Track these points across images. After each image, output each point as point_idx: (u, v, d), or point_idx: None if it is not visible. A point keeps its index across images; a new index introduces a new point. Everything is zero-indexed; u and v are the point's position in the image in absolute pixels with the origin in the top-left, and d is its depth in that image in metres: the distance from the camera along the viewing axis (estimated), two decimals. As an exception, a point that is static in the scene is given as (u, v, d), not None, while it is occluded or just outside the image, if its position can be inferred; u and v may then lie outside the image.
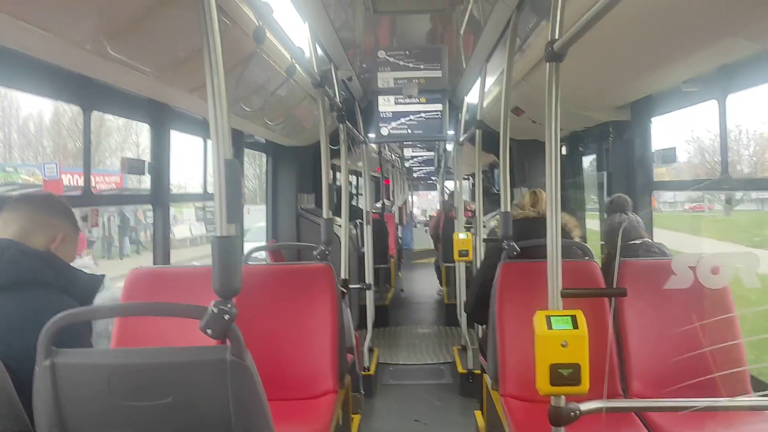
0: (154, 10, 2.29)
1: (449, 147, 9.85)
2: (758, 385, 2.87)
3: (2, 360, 1.67)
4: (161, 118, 3.63)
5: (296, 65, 3.22)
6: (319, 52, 3.78)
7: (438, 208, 16.31)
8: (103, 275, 2.11)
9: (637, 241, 3.47)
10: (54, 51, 2.39)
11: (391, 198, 13.02)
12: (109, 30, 2.29)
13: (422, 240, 17.49)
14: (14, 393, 1.67)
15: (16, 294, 1.85)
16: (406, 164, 14.48)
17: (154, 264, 3.71)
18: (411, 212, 19.74)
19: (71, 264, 2.09)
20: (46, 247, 2.02)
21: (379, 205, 11.55)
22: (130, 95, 3.26)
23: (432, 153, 12.73)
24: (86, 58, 2.44)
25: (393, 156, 12.40)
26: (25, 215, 2.02)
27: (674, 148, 3.87)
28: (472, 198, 10.02)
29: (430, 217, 20.84)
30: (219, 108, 1.58)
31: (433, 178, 19.46)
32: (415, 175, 18.03)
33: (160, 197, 3.68)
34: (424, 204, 26.65)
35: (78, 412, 1.65)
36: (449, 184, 12.66)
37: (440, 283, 10.65)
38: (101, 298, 2.07)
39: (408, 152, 12.63)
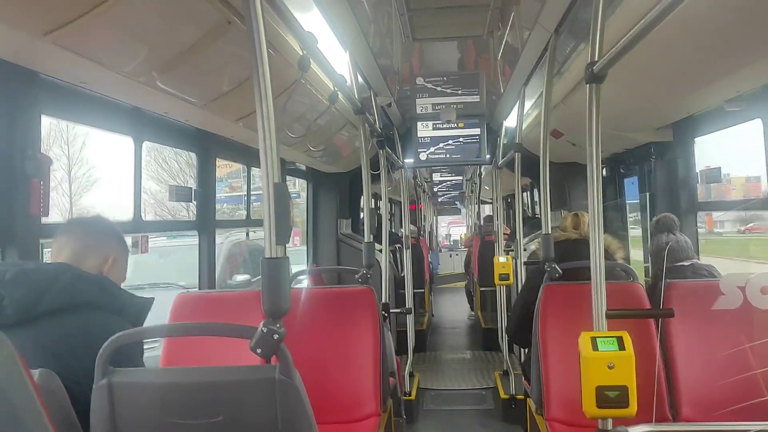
0: (201, 43, 2.39)
1: (482, 170, 9.84)
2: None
3: (61, 381, 1.73)
4: (207, 146, 3.74)
5: (338, 92, 3.29)
6: (360, 79, 3.86)
7: (465, 232, 16.31)
8: (152, 298, 2.17)
9: (686, 263, 3.38)
10: (109, 84, 2.51)
11: (423, 223, 13.06)
12: (158, 63, 2.40)
13: (446, 264, 17.51)
14: (73, 413, 1.73)
15: (72, 317, 1.92)
16: (434, 189, 14.50)
17: (200, 288, 3.79)
18: (437, 237, 19.74)
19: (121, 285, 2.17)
20: (99, 269, 2.09)
21: (414, 229, 11.59)
22: (178, 125, 3.38)
23: (460, 177, 12.72)
24: (138, 89, 2.55)
25: (423, 181, 12.46)
26: (77, 238, 2.10)
27: (719, 168, 3.81)
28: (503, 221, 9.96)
29: (454, 241, 20.76)
30: (268, 133, 1.63)
31: (456, 202, 19.41)
32: (440, 199, 18.02)
33: (206, 223, 3.78)
34: (444, 228, 26.42)
35: (133, 430, 1.70)
36: (482, 209, 12.63)
37: (471, 308, 10.58)
38: None
39: (436, 177, 12.64)
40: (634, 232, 5.49)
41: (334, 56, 3.31)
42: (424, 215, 13.91)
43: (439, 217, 23.41)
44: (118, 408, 1.68)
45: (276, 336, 1.60)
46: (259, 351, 1.61)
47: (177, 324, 2.91)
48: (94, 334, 1.77)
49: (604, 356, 1.86)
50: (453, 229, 25.69)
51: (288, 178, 5.95)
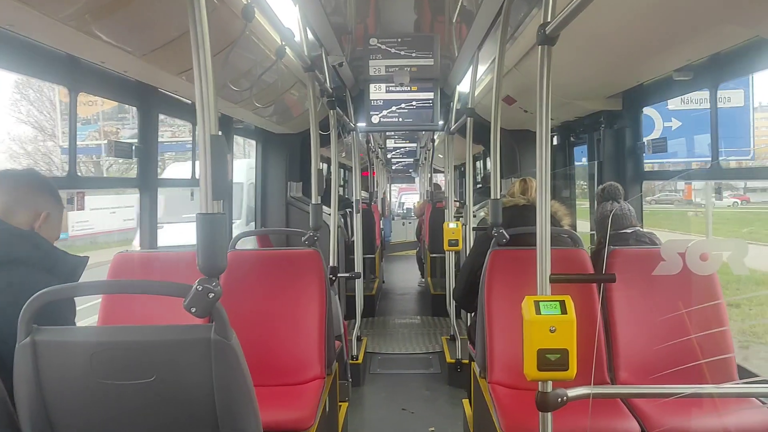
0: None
1: (435, 137, 9.84)
2: (743, 373, 2.88)
3: None
4: (149, 100, 3.59)
5: (286, 47, 3.18)
6: (310, 36, 3.75)
7: (418, 200, 16.42)
8: (87, 257, 2.08)
9: (628, 230, 3.47)
10: (39, 28, 2.35)
11: (375, 189, 13.05)
12: (93, 7, 2.25)
13: (398, 232, 17.68)
14: None
15: None
16: (388, 155, 14.46)
17: (141, 248, 3.67)
18: (390, 204, 19.77)
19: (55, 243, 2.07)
20: (30, 225, 2.00)
21: (366, 194, 11.56)
22: (117, 77, 3.22)
23: (414, 144, 12.73)
24: (72, 36, 2.40)
25: (377, 147, 12.40)
26: (7, 191, 2.00)
27: (665, 138, 3.87)
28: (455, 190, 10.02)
29: (407, 209, 20.89)
30: (205, 82, 1.55)
31: (411, 170, 19.44)
32: (393, 167, 18.02)
33: (148, 181, 3.64)
34: (396, 196, 26.31)
35: (59, 390, 1.63)
36: (435, 177, 12.70)
37: (422, 275, 10.69)
38: None
39: (390, 143, 12.60)
40: (582, 202, 5.58)
41: (282, 9, 3.19)
42: (377, 182, 13.86)
43: (393, 186, 23.39)
44: (43, 368, 1.60)
45: (211, 295, 1.55)
46: (193, 310, 1.56)
47: (107, 281, 2.81)
48: (23, 291, 1.68)
49: (547, 320, 1.86)
50: (405, 197, 25.68)
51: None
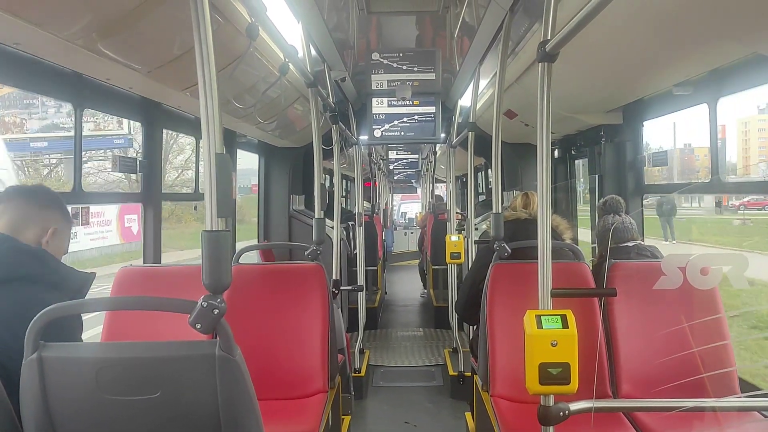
0: (146, 6, 2.29)
1: (437, 149, 9.86)
2: (746, 386, 2.89)
3: None
4: (153, 116, 3.62)
5: (289, 64, 3.22)
6: (313, 52, 3.78)
7: (420, 210, 16.47)
8: (94, 273, 2.10)
9: (630, 244, 3.47)
10: (46, 47, 2.38)
11: (377, 200, 13.09)
12: (100, 26, 2.29)
13: (400, 242, 17.71)
14: (1, 387, 1.66)
15: (7, 289, 1.85)
16: (390, 166, 14.52)
17: (144, 263, 3.69)
18: (392, 215, 19.78)
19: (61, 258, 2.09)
20: (38, 240, 2.02)
21: (368, 205, 11.58)
22: (122, 93, 3.25)
23: (416, 156, 12.79)
24: (78, 54, 2.44)
25: (379, 159, 12.47)
26: (16, 207, 2.02)
27: (666, 151, 3.89)
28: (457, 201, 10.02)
29: (409, 219, 20.94)
30: (210, 101, 1.57)
31: (412, 181, 19.51)
32: (395, 177, 18.10)
33: (152, 196, 3.67)
34: (398, 206, 26.23)
35: (65, 406, 1.64)
36: (437, 188, 12.74)
37: (424, 286, 10.69)
38: None
39: (392, 155, 12.66)
40: (584, 213, 5.58)
41: (286, 27, 3.23)
42: (379, 193, 13.90)
43: (394, 196, 23.38)
44: (50, 384, 1.62)
45: (216, 311, 1.56)
46: (198, 326, 1.57)
47: (113, 298, 2.83)
48: (30, 308, 1.70)
49: (548, 334, 1.88)
50: (405, 206, 25.63)
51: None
